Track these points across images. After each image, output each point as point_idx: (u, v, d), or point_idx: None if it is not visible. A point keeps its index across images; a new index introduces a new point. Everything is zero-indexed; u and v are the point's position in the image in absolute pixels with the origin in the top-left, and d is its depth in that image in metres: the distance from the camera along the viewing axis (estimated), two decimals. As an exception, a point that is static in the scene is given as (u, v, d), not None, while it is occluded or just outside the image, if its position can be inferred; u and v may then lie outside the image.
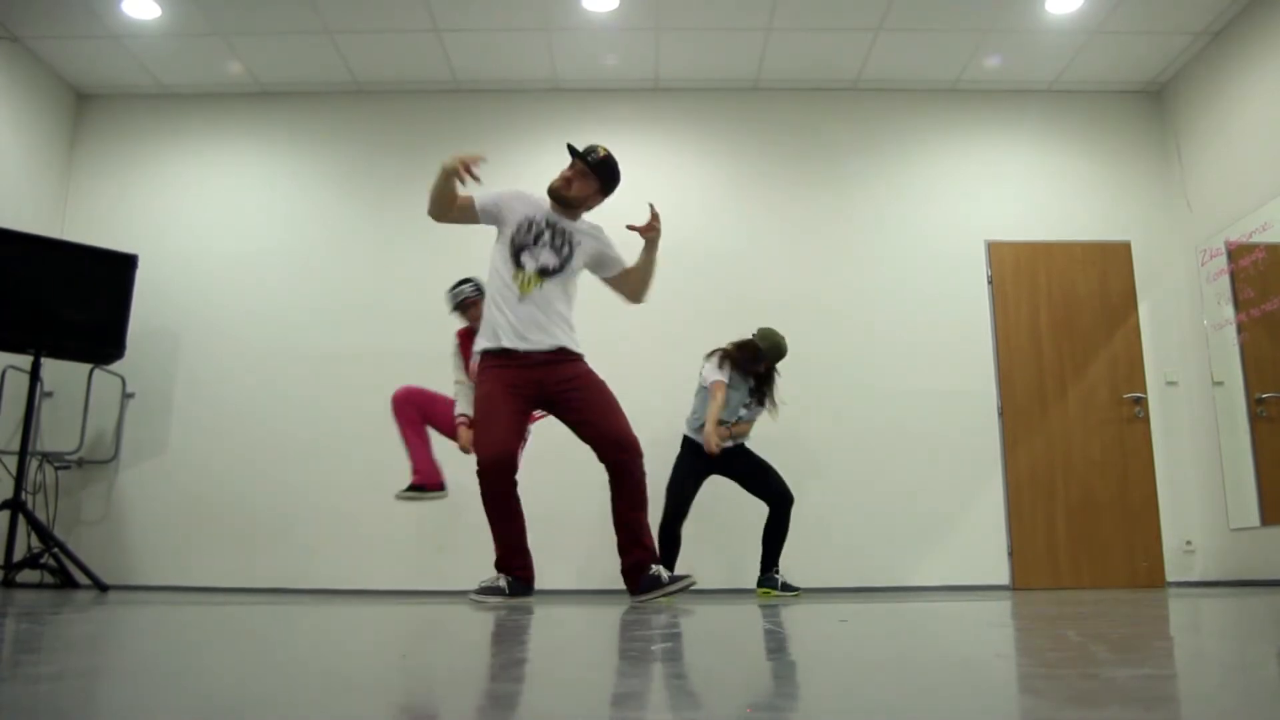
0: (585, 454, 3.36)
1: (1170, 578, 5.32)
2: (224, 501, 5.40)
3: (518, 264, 3.36)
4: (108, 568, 5.06)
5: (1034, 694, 1.01)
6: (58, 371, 5.35)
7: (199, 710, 0.90)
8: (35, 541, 4.69)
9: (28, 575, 4.79)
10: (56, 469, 5.32)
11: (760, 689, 1.09)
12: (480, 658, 1.50)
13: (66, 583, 4.71)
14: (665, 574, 3.26)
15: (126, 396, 5.52)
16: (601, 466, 3.31)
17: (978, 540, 5.36)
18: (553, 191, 3.44)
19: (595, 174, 3.42)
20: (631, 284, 3.57)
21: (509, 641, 1.79)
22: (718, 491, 4.71)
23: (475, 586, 3.33)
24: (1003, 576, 5.32)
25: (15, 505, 4.59)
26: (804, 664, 1.39)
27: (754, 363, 4.53)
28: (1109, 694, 0.97)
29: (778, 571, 4.50)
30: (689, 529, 4.51)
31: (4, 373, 5.08)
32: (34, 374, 4.86)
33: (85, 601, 3.42)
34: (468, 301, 4.38)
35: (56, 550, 4.67)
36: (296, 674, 1.26)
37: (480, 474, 3.22)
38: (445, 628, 2.28)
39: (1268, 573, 4.84)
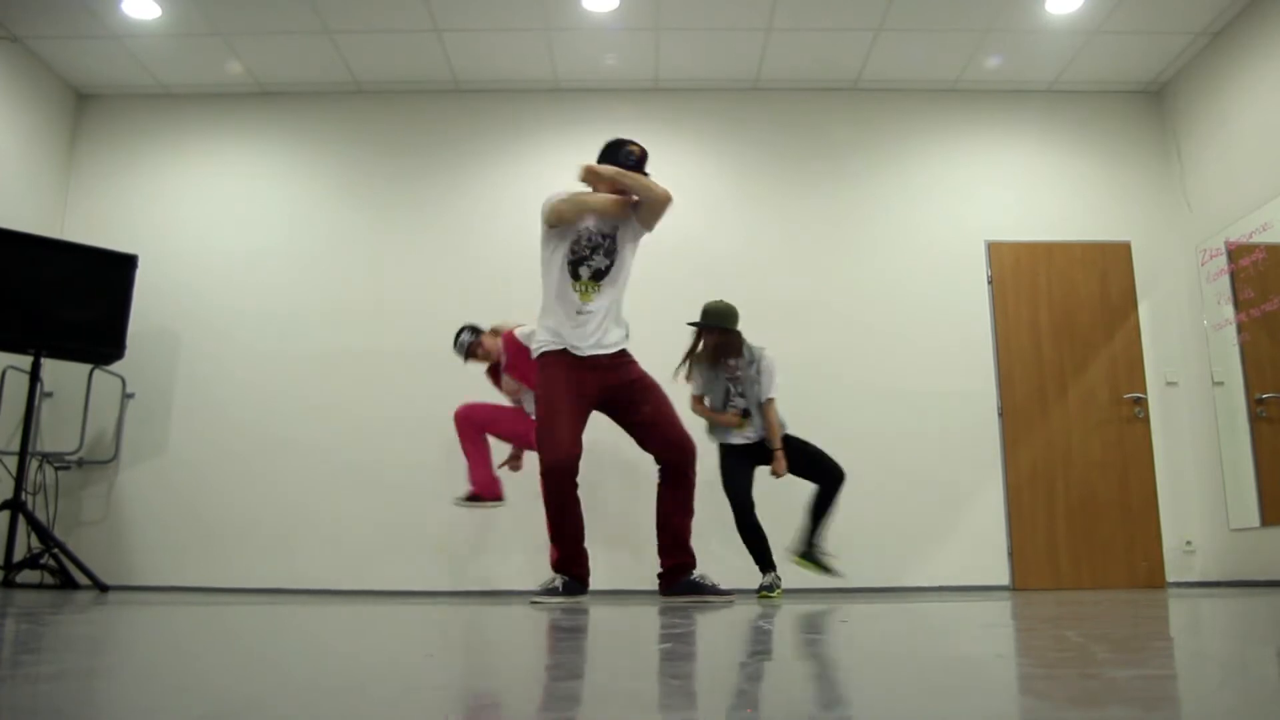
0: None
1: (1170, 578, 5.31)
2: (224, 502, 5.40)
3: (575, 275, 3.46)
4: (108, 568, 5.05)
5: (1034, 694, 1.01)
6: (58, 371, 5.35)
7: (199, 710, 0.90)
8: (35, 542, 4.69)
9: (28, 575, 4.78)
10: (56, 469, 5.32)
11: (761, 690, 1.09)
12: (489, 659, 1.50)
13: (66, 583, 4.71)
14: (707, 581, 3.42)
15: (126, 397, 5.52)
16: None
17: (978, 540, 5.35)
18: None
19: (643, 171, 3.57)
20: (646, 215, 3.68)
21: (505, 640, 1.79)
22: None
23: (536, 588, 3.44)
24: (1003, 576, 5.32)
25: (15, 505, 4.59)
26: (804, 664, 1.39)
27: (706, 349, 4.45)
28: (1109, 694, 0.97)
29: (818, 545, 4.42)
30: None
31: (4, 373, 5.08)
32: (34, 374, 4.85)
33: (85, 602, 3.42)
34: (473, 347, 4.58)
35: (56, 550, 4.67)
36: (295, 675, 1.26)
37: (544, 475, 3.31)
38: (448, 627, 2.28)
39: (1268, 573, 4.84)
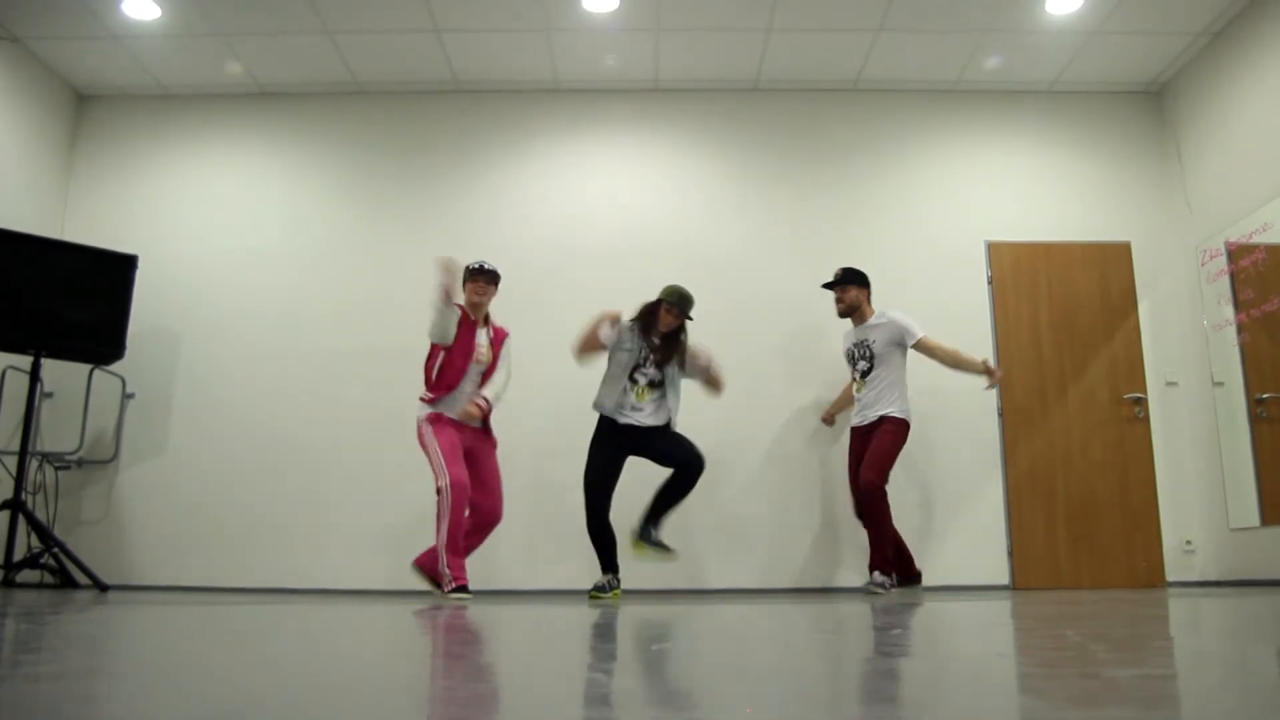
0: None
1: (1170, 578, 5.31)
2: (223, 501, 5.40)
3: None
4: (108, 568, 5.06)
5: (1034, 694, 1.01)
6: (58, 371, 5.35)
7: (199, 710, 0.90)
8: (35, 541, 4.70)
9: (28, 575, 4.79)
10: (56, 469, 5.32)
11: (762, 689, 1.09)
12: (488, 655, 1.50)
13: (66, 583, 4.71)
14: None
15: (126, 396, 5.52)
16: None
17: (978, 540, 5.35)
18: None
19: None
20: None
21: (504, 640, 1.78)
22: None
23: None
24: (1003, 576, 5.32)
25: (15, 505, 4.59)
26: (805, 664, 1.39)
27: (652, 317, 4.34)
28: (1109, 694, 0.97)
29: (656, 528, 4.25)
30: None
31: (4, 373, 5.08)
32: (34, 374, 4.86)
33: (85, 601, 3.42)
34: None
35: (56, 550, 4.67)
36: (294, 675, 1.26)
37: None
38: (443, 628, 2.27)
39: (1268, 573, 4.84)
